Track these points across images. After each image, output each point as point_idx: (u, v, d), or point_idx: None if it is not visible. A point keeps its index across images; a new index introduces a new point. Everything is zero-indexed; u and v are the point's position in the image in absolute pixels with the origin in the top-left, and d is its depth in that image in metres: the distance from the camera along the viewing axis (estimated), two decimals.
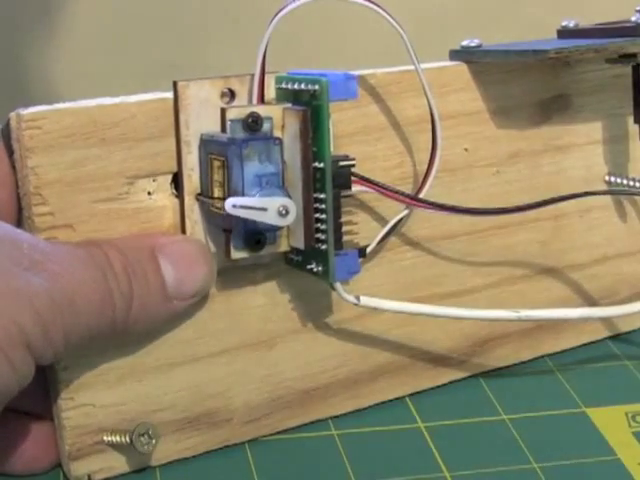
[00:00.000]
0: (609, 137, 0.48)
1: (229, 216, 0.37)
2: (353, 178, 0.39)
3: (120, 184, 0.38)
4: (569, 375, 0.47)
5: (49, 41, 0.76)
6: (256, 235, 0.38)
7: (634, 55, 0.44)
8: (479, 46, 0.44)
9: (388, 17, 0.39)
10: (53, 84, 0.76)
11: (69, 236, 0.37)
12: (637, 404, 0.45)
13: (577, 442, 0.42)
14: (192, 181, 0.38)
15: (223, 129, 0.38)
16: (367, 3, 0.39)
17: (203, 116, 0.38)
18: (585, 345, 0.50)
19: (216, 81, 0.38)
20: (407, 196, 0.41)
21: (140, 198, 0.38)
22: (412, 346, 0.45)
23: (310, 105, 0.38)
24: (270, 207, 0.37)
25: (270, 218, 0.37)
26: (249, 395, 0.42)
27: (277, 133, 0.38)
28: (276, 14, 0.38)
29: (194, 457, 0.41)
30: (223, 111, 0.38)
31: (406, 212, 0.42)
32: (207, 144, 0.38)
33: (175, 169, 0.39)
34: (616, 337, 0.51)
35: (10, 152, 0.37)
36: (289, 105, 0.39)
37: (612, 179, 0.48)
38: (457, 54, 0.45)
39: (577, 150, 0.48)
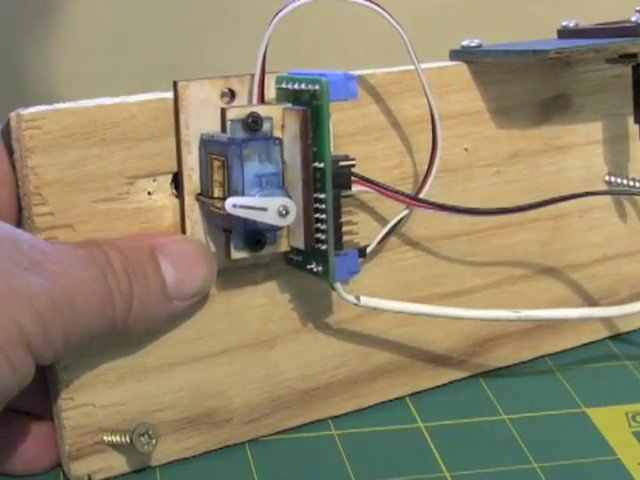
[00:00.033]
0: (609, 137, 0.48)
1: (229, 216, 0.37)
2: (353, 178, 0.39)
3: (120, 184, 0.38)
4: (569, 375, 0.47)
5: (49, 41, 0.76)
6: (256, 235, 0.38)
7: (634, 55, 0.44)
8: (479, 46, 0.44)
9: (388, 17, 0.39)
10: (53, 84, 0.76)
11: (69, 236, 0.37)
12: (637, 404, 0.45)
13: (577, 442, 0.42)
14: (192, 181, 0.38)
15: (223, 129, 0.38)
16: (367, 3, 0.39)
17: (203, 116, 0.38)
18: (585, 345, 0.50)
19: (216, 81, 0.38)
20: (407, 196, 0.41)
21: (140, 198, 0.38)
22: (412, 346, 0.45)
23: (310, 105, 0.38)
24: (270, 207, 0.37)
25: (270, 218, 0.37)
26: (249, 395, 0.42)
27: (277, 133, 0.38)
28: (276, 14, 0.38)
29: (194, 457, 0.41)
30: (223, 111, 0.38)
31: (406, 212, 0.42)
32: (207, 144, 0.38)
33: (175, 169, 0.39)
34: (616, 337, 0.51)
35: (10, 152, 0.37)
36: (289, 105, 0.39)
37: (612, 179, 0.48)
38: (457, 54, 0.45)
39: (577, 150, 0.48)
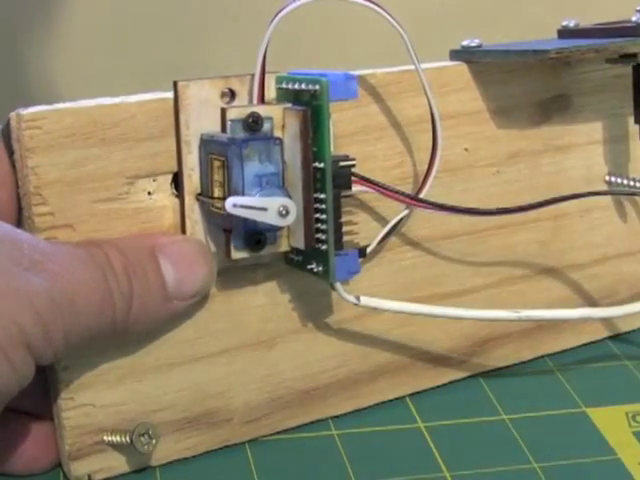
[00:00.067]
0: (609, 137, 0.48)
1: (229, 216, 0.37)
2: (353, 178, 0.39)
3: (120, 184, 0.38)
4: (569, 375, 0.47)
5: (49, 41, 0.76)
6: (256, 235, 0.38)
7: (634, 55, 0.44)
8: (479, 46, 0.44)
9: (388, 17, 0.39)
10: (53, 84, 0.76)
11: (69, 236, 0.37)
12: (637, 404, 0.45)
13: (577, 442, 0.42)
14: (192, 181, 0.38)
15: (223, 129, 0.38)
16: (367, 3, 0.39)
17: (203, 116, 0.38)
18: (585, 345, 0.50)
19: (216, 81, 0.38)
20: (407, 196, 0.41)
21: (140, 198, 0.38)
22: (412, 346, 0.45)
23: (310, 105, 0.38)
24: (270, 207, 0.37)
25: (270, 218, 0.37)
26: (249, 395, 0.42)
27: (277, 133, 0.38)
28: (276, 14, 0.38)
29: (194, 457, 0.41)
30: (223, 111, 0.38)
31: (406, 212, 0.42)
32: (207, 144, 0.38)
33: (175, 169, 0.39)
34: (616, 337, 0.51)
35: (10, 152, 0.37)
36: (289, 105, 0.39)
37: (612, 179, 0.48)
38: (457, 54, 0.45)
39: (577, 150, 0.48)
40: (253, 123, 0.38)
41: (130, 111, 0.38)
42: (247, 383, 0.41)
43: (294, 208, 0.37)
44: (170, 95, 0.38)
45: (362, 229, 0.42)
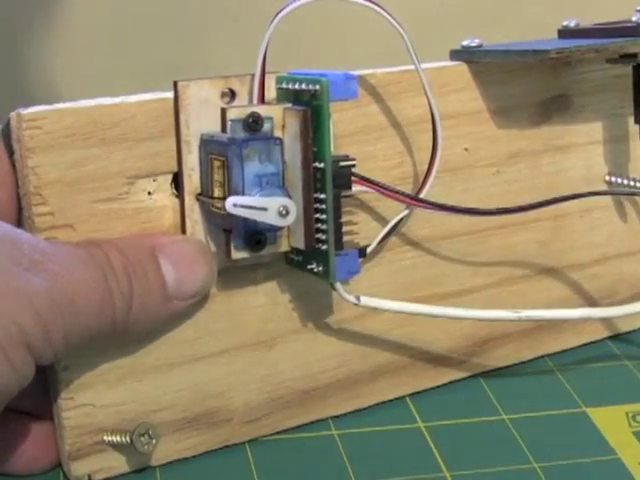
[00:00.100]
0: (609, 137, 0.48)
1: (229, 216, 0.37)
2: (353, 178, 0.39)
3: (120, 184, 0.38)
4: (569, 375, 0.47)
5: (49, 41, 0.76)
6: (256, 235, 0.38)
7: (634, 55, 0.44)
8: (479, 46, 0.44)
9: (388, 17, 0.39)
10: (53, 84, 0.76)
11: (69, 236, 0.37)
12: (637, 404, 0.45)
13: (577, 442, 0.42)
14: (192, 181, 0.38)
15: (223, 129, 0.38)
16: (367, 3, 0.39)
17: (203, 116, 0.38)
18: (585, 345, 0.50)
19: (216, 81, 0.38)
20: (407, 196, 0.41)
21: (140, 198, 0.38)
22: (412, 346, 0.45)
23: (310, 105, 0.38)
24: (270, 207, 0.37)
25: (270, 218, 0.37)
26: (249, 395, 0.42)
27: (277, 133, 0.38)
28: (276, 14, 0.38)
29: (194, 457, 0.41)
30: (223, 111, 0.38)
31: (406, 212, 0.42)
32: (207, 144, 0.38)
33: (175, 169, 0.39)
34: (616, 337, 0.51)
35: (10, 152, 0.37)
36: (289, 105, 0.39)
37: (612, 179, 0.48)
38: (457, 54, 0.45)
39: (577, 150, 0.48)
40: (253, 123, 0.38)
41: (130, 111, 0.38)
42: (247, 383, 0.41)
43: (294, 208, 0.37)
44: (170, 95, 0.38)
45: (362, 229, 0.42)
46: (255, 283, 0.41)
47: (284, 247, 0.40)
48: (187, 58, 0.75)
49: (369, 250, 0.42)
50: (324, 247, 0.39)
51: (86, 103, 0.37)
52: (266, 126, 0.38)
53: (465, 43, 0.45)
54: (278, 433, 0.43)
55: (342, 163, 0.39)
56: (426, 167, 0.42)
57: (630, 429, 0.43)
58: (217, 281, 0.40)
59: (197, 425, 0.41)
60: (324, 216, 0.38)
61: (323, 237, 0.39)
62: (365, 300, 0.41)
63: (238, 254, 0.39)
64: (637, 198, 0.50)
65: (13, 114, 0.36)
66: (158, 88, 0.39)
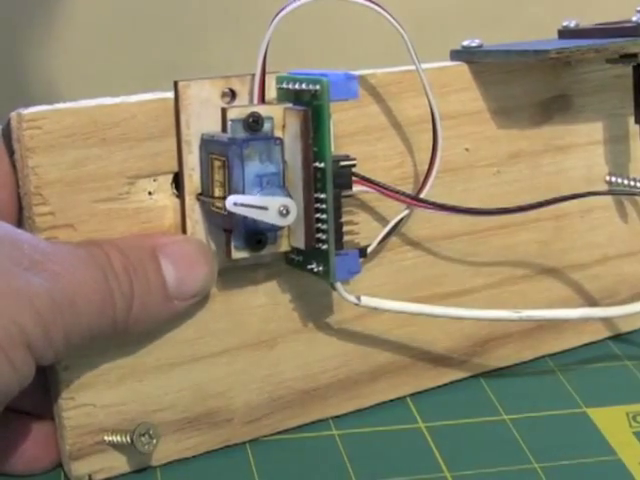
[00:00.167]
0: (610, 137, 0.48)
1: (230, 216, 0.37)
2: (354, 178, 0.39)
3: (121, 184, 0.38)
4: (570, 375, 0.47)
5: (49, 41, 0.76)
6: (257, 235, 0.38)
7: (635, 55, 0.44)
8: (480, 46, 0.44)
9: (389, 17, 0.39)
10: (53, 84, 0.76)
11: (70, 236, 0.37)
12: (638, 404, 0.45)
13: (578, 442, 0.42)
14: (193, 181, 0.38)
15: (224, 129, 0.38)
16: (368, 3, 0.39)
17: (204, 116, 0.38)
18: (586, 345, 0.50)
19: (217, 81, 0.38)
20: (408, 196, 0.41)
21: (141, 198, 0.38)
22: (413, 346, 0.45)
23: (311, 105, 0.38)
24: (271, 206, 0.37)
25: (271, 218, 0.37)
26: (250, 395, 0.42)
27: (278, 133, 0.38)
28: (277, 14, 0.38)
29: (195, 457, 0.41)
30: (224, 111, 0.38)
31: (407, 212, 0.42)
32: (208, 144, 0.38)
33: (176, 169, 0.39)
34: (617, 337, 0.51)
35: (11, 152, 0.37)
36: (290, 105, 0.39)
37: (613, 179, 0.48)
38: (458, 54, 0.45)
39: (578, 150, 0.48)
40: (254, 123, 0.38)
41: (130, 111, 0.38)
42: (248, 383, 0.41)
43: (294, 208, 0.37)
44: (170, 95, 0.38)
45: (363, 229, 0.42)
46: (255, 283, 0.41)
47: (284, 247, 0.40)
48: (187, 58, 0.75)
49: (369, 250, 0.42)
50: (324, 247, 0.39)
51: (86, 103, 0.37)
52: (266, 126, 0.38)
53: (465, 43, 0.45)
54: (279, 433, 0.43)
55: (342, 163, 0.39)
56: (427, 167, 0.42)
57: (631, 429, 0.43)
58: (217, 281, 0.40)
59: (198, 425, 0.41)
60: (324, 216, 0.38)
61: (323, 237, 0.39)
62: (366, 300, 0.41)
63: (238, 254, 0.39)
64: (638, 198, 0.50)
65: (13, 114, 0.36)
66: (158, 88, 0.39)
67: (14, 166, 0.37)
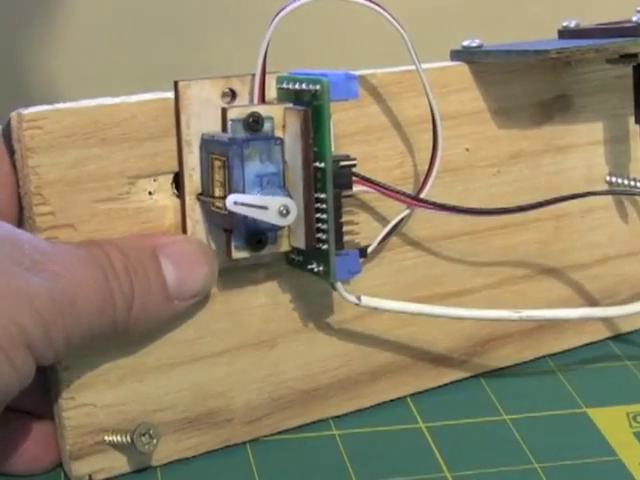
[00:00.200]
0: (610, 137, 0.48)
1: (230, 216, 0.37)
2: (354, 178, 0.39)
3: (121, 184, 0.38)
4: (570, 375, 0.47)
5: (49, 41, 0.76)
6: (257, 235, 0.38)
7: (635, 55, 0.44)
8: (480, 46, 0.44)
9: (389, 17, 0.39)
10: (53, 84, 0.76)
11: (70, 236, 0.37)
12: (638, 404, 0.45)
13: (578, 442, 0.42)
14: (193, 181, 0.38)
15: (224, 129, 0.38)
16: (368, 3, 0.39)
17: (204, 116, 0.38)
18: (586, 345, 0.50)
19: (217, 81, 0.38)
20: (408, 196, 0.41)
21: (141, 198, 0.38)
22: (413, 346, 0.45)
23: (311, 105, 0.38)
24: (271, 206, 0.37)
25: (271, 217, 0.37)
26: (250, 395, 0.42)
27: (278, 133, 0.38)
28: (277, 14, 0.38)
29: (195, 457, 0.41)
30: (224, 111, 0.38)
31: (407, 212, 0.42)
32: (208, 144, 0.38)
33: (176, 169, 0.39)
34: (617, 337, 0.51)
35: (11, 152, 0.37)
36: (290, 105, 0.39)
37: (613, 179, 0.48)
38: (458, 54, 0.45)
39: (578, 150, 0.48)
40: (254, 123, 0.38)
41: (131, 111, 0.38)
42: (248, 383, 0.41)
43: (295, 208, 0.37)
44: (171, 95, 0.38)
45: (363, 229, 0.42)
46: (256, 283, 0.41)
47: (285, 247, 0.40)
48: (187, 58, 0.75)
49: (370, 250, 0.42)
50: (325, 247, 0.39)
51: (87, 103, 0.37)
52: (267, 126, 0.38)
53: (466, 43, 0.45)
54: (279, 433, 0.43)
55: (343, 163, 0.39)
56: (427, 167, 0.42)
57: (631, 429, 0.43)
58: (218, 281, 0.40)
59: (198, 425, 0.41)
60: (325, 216, 0.38)
61: (324, 237, 0.39)
62: (366, 300, 0.41)
63: (239, 254, 0.39)
64: (638, 198, 0.50)
65: (14, 114, 0.36)
66: (159, 88, 0.39)
67: (14, 166, 0.37)
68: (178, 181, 0.39)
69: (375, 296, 0.41)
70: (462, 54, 0.45)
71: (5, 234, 0.35)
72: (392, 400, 0.45)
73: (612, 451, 0.42)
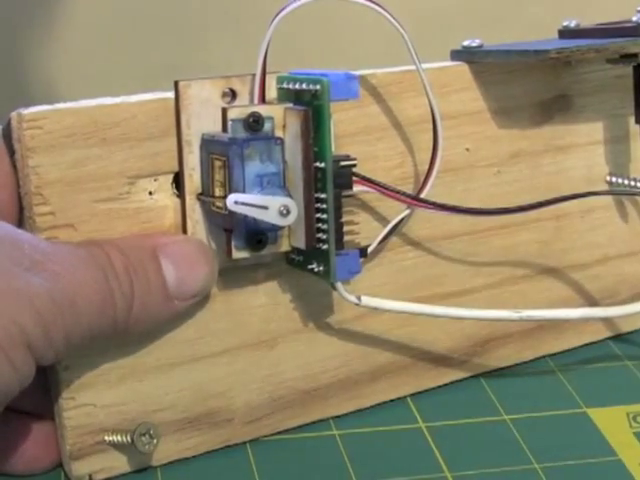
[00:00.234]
0: (610, 137, 0.48)
1: (230, 215, 0.37)
2: (354, 178, 0.39)
3: (121, 184, 0.38)
4: (570, 375, 0.47)
5: (49, 41, 0.76)
6: (257, 235, 0.38)
7: (635, 55, 0.44)
8: (480, 46, 0.44)
9: (389, 17, 0.39)
10: (53, 84, 0.76)
11: (70, 236, 0.37)
12: (638, 404, 0.45)
13: (578, 442, 0.42)
14: (193, 181, 0.38)
15: (224, 129, 0.38)
16: (368, 3, 0.39)
17: (204, 116, 0.38)
18: (586, 345, 0.50)
19: (217, 81, 0.38)
20: (408, 196, 0.41)
21: (141, 198, 0.38)
22: (413, 346, 0.45)
23: (311, 105, 0.38)
24: (271, 206, 0.37)
25: (271, 217, 0.37)
26: (250, 395, 0.42)
27: (278, 133, 0.38)
28: (277, 14, 0.38)
29: (195, 457, 0.41)
30: (224, 111, 0.38)
31: (407, 212, 0.42)
32: (208, 144, 0.38)
33: (176, 169, 0.39)
34: (617, 337, 0.51)
35: (11, 152, 0.37)
36: (290, 105, 0.39)
37: (613, 179, 0.48)
38: (458, 54, 0.45)
39: (578, 150, 0.48)
40: (254, 123, 0.38)
41: (131, 111, 0.38)
42: (248, 383, 0.41)
43: (295, 208, 0.37)
44: (171, 95, 0.38)
45: (363, 229, 0.42)
46: (256, 283, 0.41)
47: (285, 247, 0.40)
48: (188, 58, 0.75)
49: (370, 250, 0.42)
50: (325, 247, 0.39)
51: (87, 103, 0.37)
52: (267, 126, 0.38)
53: (466, 43, 0.45)
54: (279, 433, 0.43)
55: (343, 163, 0.39)
56: (427, 167, 0.42)
57: (631, 430, 0.43)
58: (218, 281, 0.40)
59: (198, 425, 0.41)
60: (325, 216, 0.38)
61: (324, 237, 0.39)
62: (366, 300, 0.41)
63: (239, 254, 0.39)
64: (638, 198, 0.50)
65: (14, 114, 0.36)
66: (159, 88, 0.39)
67: (14, 166, 0.37)
68: (178, 181, 0.39)
69: (375, 296, 0.41)
70: (462, 54, 0.45)
71: (5, 234, 0.35)
72: (392, 400, 0.45)
73: (612, 451, 0.42)
